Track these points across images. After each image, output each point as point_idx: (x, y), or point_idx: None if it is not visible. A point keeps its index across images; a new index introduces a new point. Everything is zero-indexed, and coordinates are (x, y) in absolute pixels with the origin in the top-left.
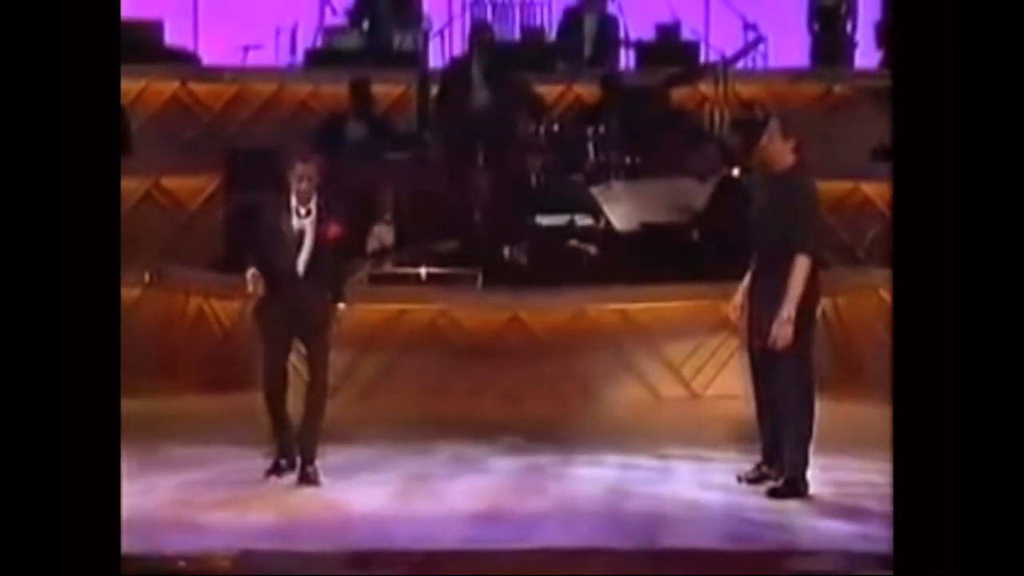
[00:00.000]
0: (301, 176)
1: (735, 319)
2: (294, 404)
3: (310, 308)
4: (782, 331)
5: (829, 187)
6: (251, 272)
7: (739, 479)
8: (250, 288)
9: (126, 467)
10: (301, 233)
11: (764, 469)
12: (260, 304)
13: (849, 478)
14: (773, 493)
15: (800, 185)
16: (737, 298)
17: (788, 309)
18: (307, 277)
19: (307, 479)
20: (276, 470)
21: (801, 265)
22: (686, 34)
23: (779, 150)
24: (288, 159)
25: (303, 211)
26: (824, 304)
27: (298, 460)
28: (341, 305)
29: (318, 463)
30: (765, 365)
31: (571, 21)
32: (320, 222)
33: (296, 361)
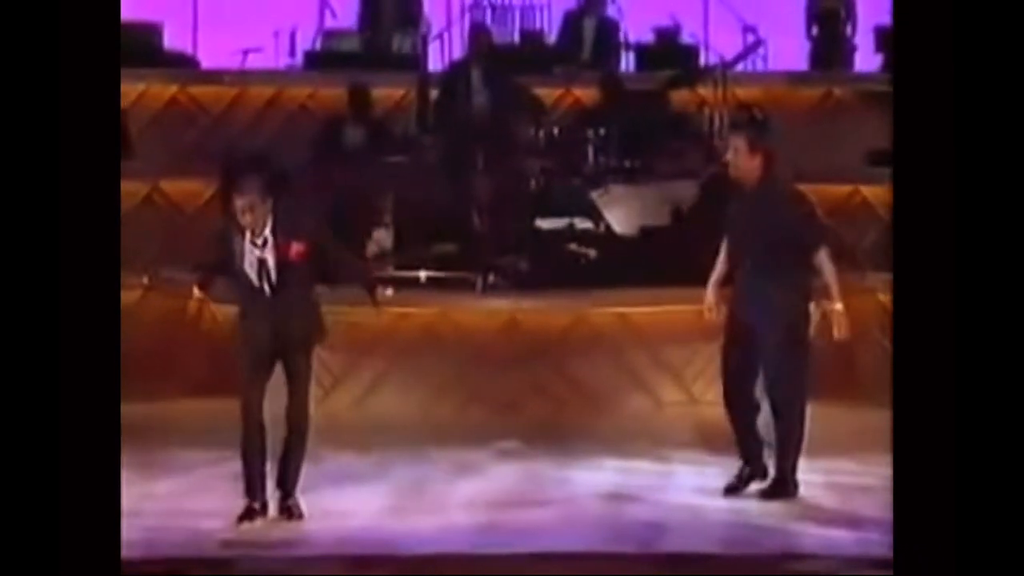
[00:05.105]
0: (242, 210)
1: (713, 317)
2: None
3: (288, 330)
4: (841, 321)
5: (828, 190)
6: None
7: (728, 491)
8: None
9: (125, 470)
10: (262, 262)
11: (745, 472)
12: (238, 331)
13: (847, 481)
14: (763, 495)
15: (784, 191)
16: (710, 297)
17: (837, 298)
18: (280, 298)
19: (290, 512)
20: (250, 515)
21: (826, 257)
22: (685, 37)
23: (746, 165)
24: (227, 194)
25: (259, 241)
26: (822, 307)
27: (278, 492)
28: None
29: (316, 472)
30: (750, 365)
31: (570, 24)
32: (278, 248)
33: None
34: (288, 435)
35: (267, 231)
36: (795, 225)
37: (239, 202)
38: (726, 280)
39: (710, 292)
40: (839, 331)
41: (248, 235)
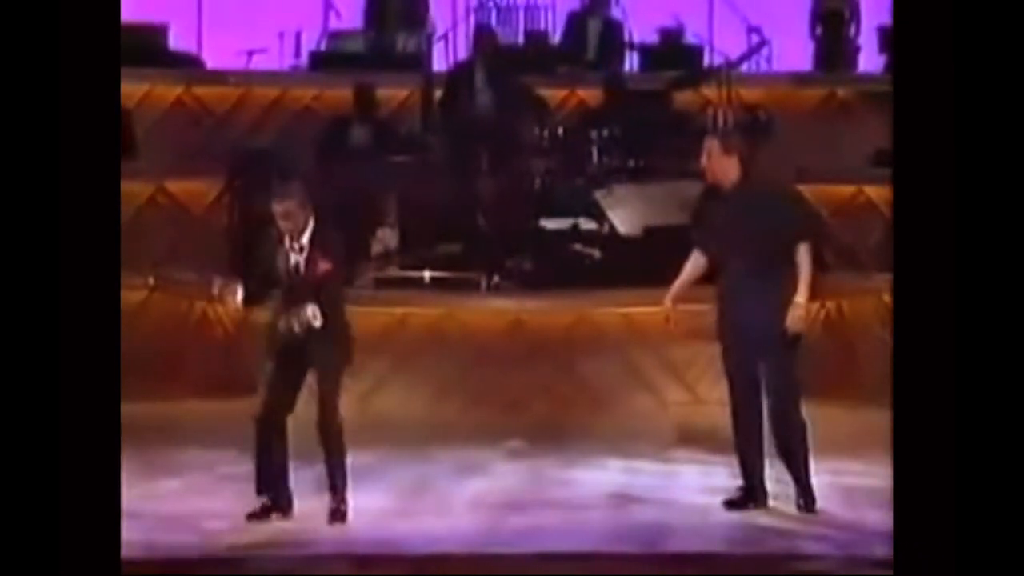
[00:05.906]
0: (283, 215)
1: (671, 327)
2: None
3: (316, 343)
4: (797, 315)
5: (832, 191)
6: (218, 283)
7: (727, 505)
8: (215, 291)
9: (130, 471)
10: (298, 266)
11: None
12: (272, 333)
13: (849, 482)
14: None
15: (765, 191)
16: (667, 305)
17: (803, 293)
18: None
19: (340, 516)
20: (262, 514)
21: (806, 252)
22: (689, 37)
23: (720, 168)
24: (269, 198)
25: (296, 246)
26: (828, 308)
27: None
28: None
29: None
30: (752, 370)
31: (575, 25)
32: (310, 259)
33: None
34: (322, 443)
35: (305, 237)
36: (780, 223)
37: (277, 207)
38: (691, 287)
39: (668, 301)
40: (792, 324)
41: (287, 239)
